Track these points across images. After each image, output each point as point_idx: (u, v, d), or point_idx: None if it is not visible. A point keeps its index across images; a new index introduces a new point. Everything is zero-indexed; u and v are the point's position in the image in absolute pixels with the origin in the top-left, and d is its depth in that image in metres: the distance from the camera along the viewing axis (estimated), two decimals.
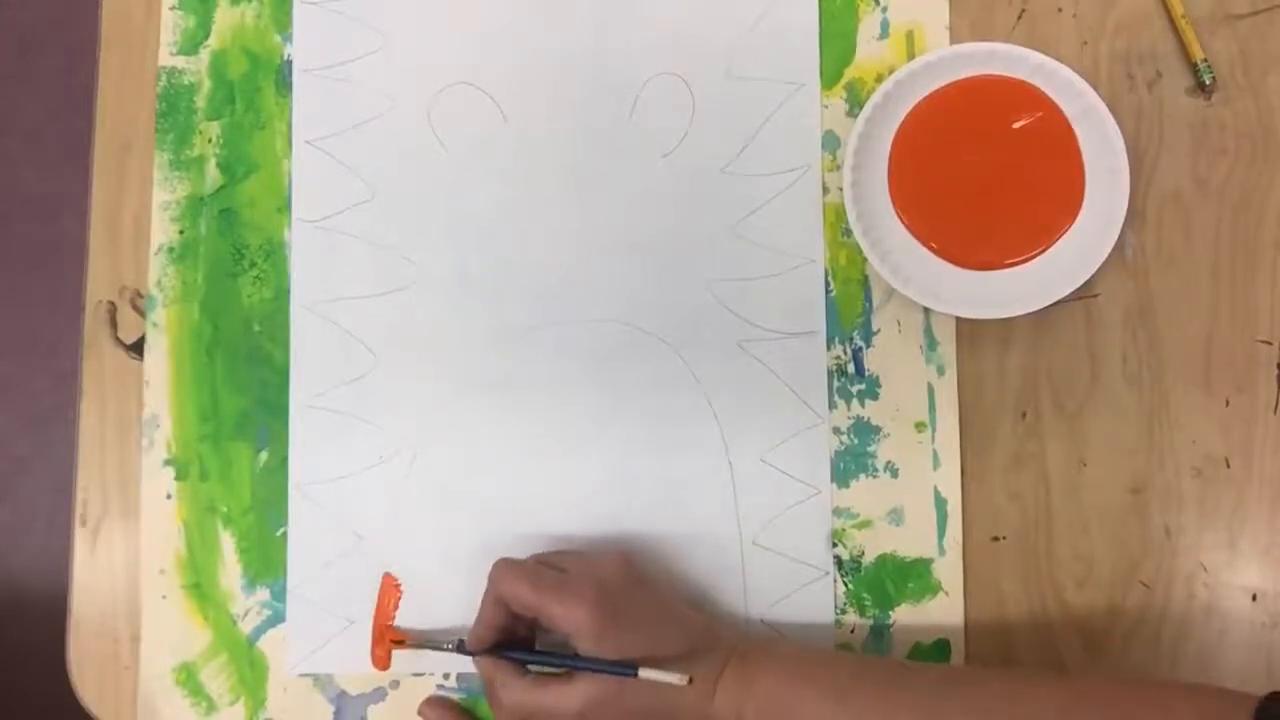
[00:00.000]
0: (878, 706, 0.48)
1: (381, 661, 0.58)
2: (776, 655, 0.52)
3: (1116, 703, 0.46)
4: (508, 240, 0.61)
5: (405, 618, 0.59)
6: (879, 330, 0.60)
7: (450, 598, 0.59)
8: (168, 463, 0.60)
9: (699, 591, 0.58)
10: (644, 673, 0.49)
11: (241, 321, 0.61)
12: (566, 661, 0.51)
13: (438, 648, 0.57)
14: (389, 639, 0.58)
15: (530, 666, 0.54)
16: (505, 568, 0.53)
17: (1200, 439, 0.59)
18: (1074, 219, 0.57)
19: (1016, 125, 0.58)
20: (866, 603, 0.59)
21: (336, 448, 0.60)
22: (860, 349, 0.59)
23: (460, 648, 0.55)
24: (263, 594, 0.59)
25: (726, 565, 0.59)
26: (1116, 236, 0.56)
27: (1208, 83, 0.59)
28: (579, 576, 0.52)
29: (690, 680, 0.49)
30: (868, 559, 0.59)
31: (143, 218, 0.61)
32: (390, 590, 0.59)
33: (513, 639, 0.55)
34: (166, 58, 0.62)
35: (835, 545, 0.59)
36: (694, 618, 0.54)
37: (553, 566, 0.54)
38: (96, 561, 0.60)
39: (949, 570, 0.58)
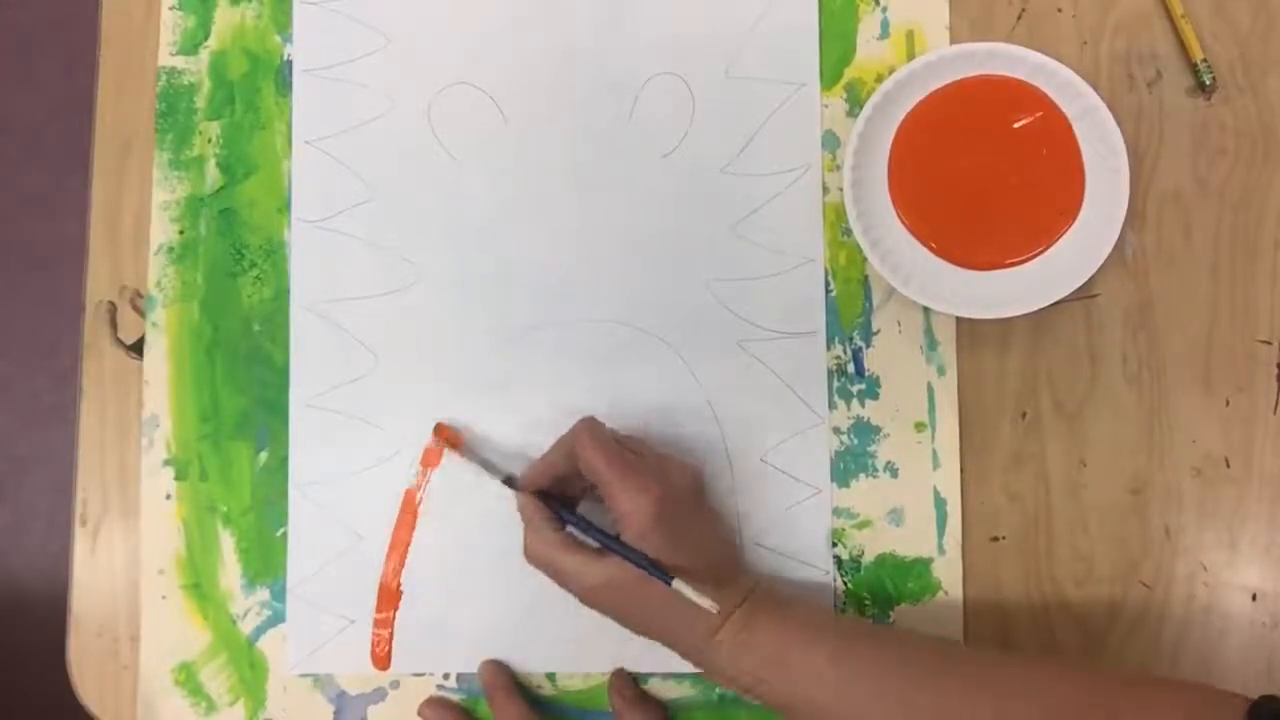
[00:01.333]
0: (870, 672, 0.49)
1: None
2: (784, 608, 0.52)
3: (1104, 683, 0.46)
4: (508, 240, 0.61)
5: (405, 618, 0.59)
6: (879, 330, 0.60)
7: (451, 598, 0.59)
8: (167, 463, 0.60)
9: None
10: (678, 584, 0.49)
11: (241, 321, 0.61)
12: (607, 540, 0.51)
13: (489, 469, 0.57)
14: (444, 435, 0.58)
15: (568, 527, 0.54)
16: (588, 429, 0.53)
17: (1200, 439, 0.59)
18: (1074, 219, 0.57)
19: (1016, 125, 0.58)
20: (866, 602, 0.59)
21: (336, 448, 0.60)
22: (860, 349, 0.59)
23: (510, 481, 0.56)
24: (263, 594, 0.59)
25: None
26: (1116, 236, 0.56)
27: (1208, 83, 0.59)
28: (651, 469, 0.52)
29: (717, 610, 0.49)
30: (868, 559, 0.59)
31: (143, 218, 0.61)
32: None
33: (562, 493, 0.55)
34: (166, 58, 0.62)
35: (835, 545, 0.59)
36: (730, 553, 0.56)
37: (631, 449, 0.54)
38: (96, 561, 0.60)
39: (949, 570, 0.58)
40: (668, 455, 0.56)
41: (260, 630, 0.59)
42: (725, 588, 0.51)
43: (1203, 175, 0.60)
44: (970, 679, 0.48)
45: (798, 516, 0.59)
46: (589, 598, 0.52)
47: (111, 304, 0.61)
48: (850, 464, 0.59)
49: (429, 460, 0.59)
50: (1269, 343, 0.59)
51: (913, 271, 0.57)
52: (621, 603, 0.52)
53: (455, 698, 0.59)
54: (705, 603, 0.48)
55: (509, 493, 0.56)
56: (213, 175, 0.61)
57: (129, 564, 0.60)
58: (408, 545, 0.59)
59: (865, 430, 0.59)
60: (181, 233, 0.61)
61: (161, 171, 0.61)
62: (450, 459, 0.59)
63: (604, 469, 0.51)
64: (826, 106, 0.61)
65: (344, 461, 0.60)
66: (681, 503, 0.52)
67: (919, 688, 0.48)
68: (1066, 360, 0.59)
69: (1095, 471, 0.59)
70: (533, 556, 0.53)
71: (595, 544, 0.52)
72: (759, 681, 0.50)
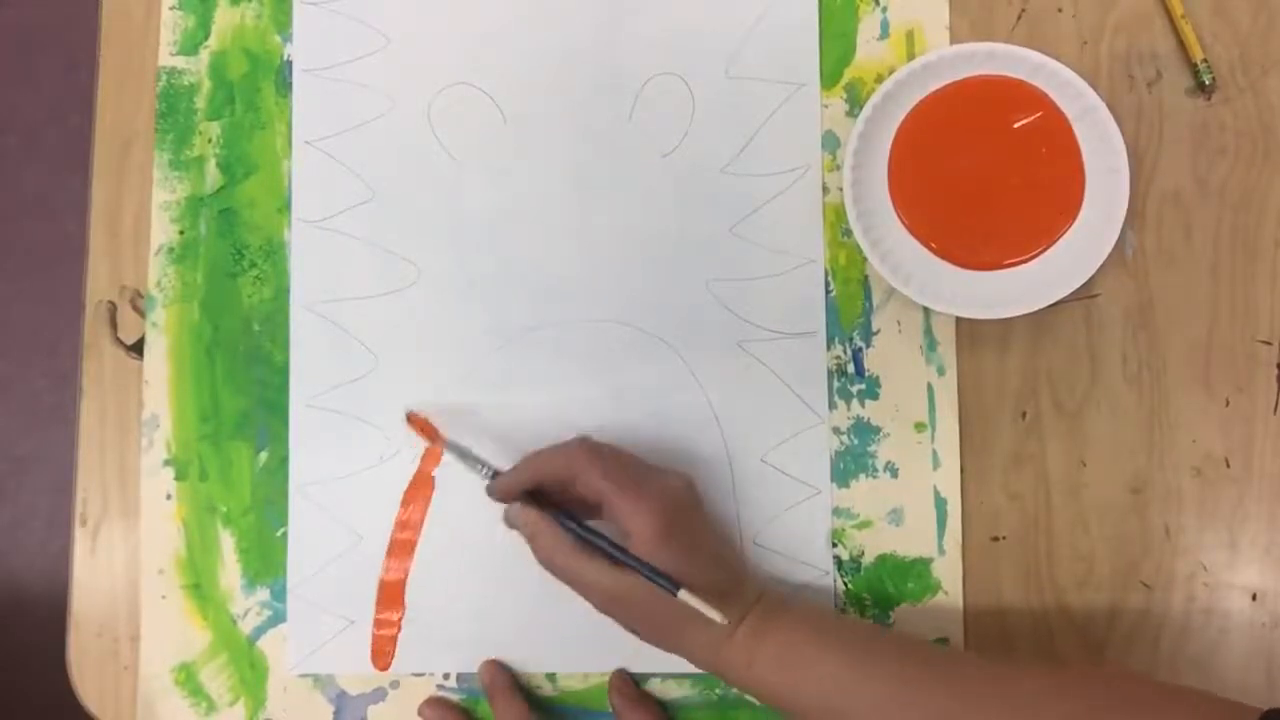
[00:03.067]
0: (883, 675, 0.49)
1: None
2: (793, 612, 0.52)
3: (1117, 694, 0.46)
4: (508, 240, 0.61)
5: (405, 617, 0.59)
6: (879, 330, 0.59)
7: (451, 598, 0.59)
8: (167, 463, 0.60)
9: None
10: (684, 595, 0.49)
11: (241, 321, 0.61)
12: (617, 552, 0.51)
13: (473, 466, 0.57)
14: (417, 424, 0.59)
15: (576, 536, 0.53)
16: (587, 449, 0.53)
17: (1200, 439, 0.59)
18: (1074, 219, 0.57)
19: (1016, 125, 0.58)
20: (866, 603, 0.59)
21: (336, 448, 0.60)
22: (860, 349, 0.59)
23: (493, 479, 0.56)
24: (263, 594, 0.59)
25: None
26: (1116, 236, 0.56)
27: (1208, 83, 0.59)
28: (650, 483, 0.52)
29: (725, 620, 0.49)
30: (868, 559, 0.59)
31: (143, 218, 0.61)
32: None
33: (540, 499, 0.55)
34: (166, 58, 0.62)
35: (835, 545, 0.59)
36: (734, 559, 0.56)
37: (629, 463, 0.54)
38: (96, 561, 0.60)
39: (949, 570, 0.58)
40: (660, 468, 0.55)
41: (260, 630, 0.59)
42: (733, 596, 0.51)
43: (1203, 175, 0.60)
44: (984, 687, 0.48)
45: (797, 517, 0.59)
46: (606, 607, 0.52)
47: (111, 304, 0.61)
48: (850, 464, 0.59)
49: (429, 460, 0.59)
50: (1269, 343, 0.59)
51: (913, 271, 0.57)
52: (636, 613, 0.52)
53: (455, 698, 0.59)
54: (713, 614, 0.48)
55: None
56: (213, 175, 0.61)
57: (129, 564, 0.60)
58: (408, 545, 0.59)
59: (865, 430, 0.59)
60: (181, 233, 0.61)
61: (161, 171, 0.61)
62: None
63: (604, 487, 0.51)
64: (826, 106, 0.61)
65: (344, 461, 0.60)
66: (683, 512, 0.53)
67: (933, 693, 0.48)
68: (1066, 360, 0.59)
69: (1095, 471, 0.59)
70: (549, 562, 0.53)
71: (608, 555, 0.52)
72: (772, 686, 0.50)
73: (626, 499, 0.51)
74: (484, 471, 0.57)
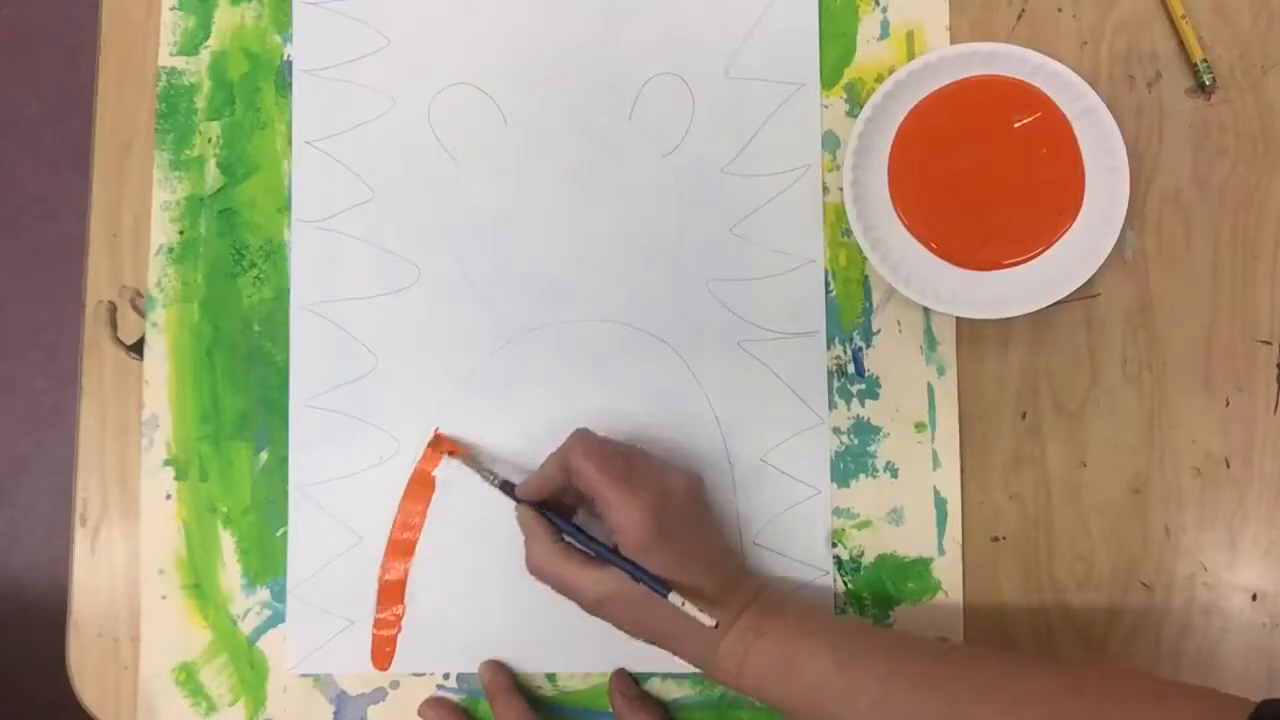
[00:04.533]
0: (875, 677, 0.48)
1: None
2: (787, 615, 0.51)
3: (1113, 689, 0.46)
4: (508, 240, 0.61)
5: (405, 618, 0.59)
6: (879, 330, 0.59)
7: (451, 598, 0.59)
8: (168, 463, 0.60)
9: None
10: (674, 598, 0.48)
11: (241, 321, 0.61)
12: (604, 552, 0.51)
13: (485, 476, 0.57)
14: (444, 445, 0.58)
15: (565, 536, 0.54)
16: (581, 440, 0.53)
17: (1200, 439, 0.59)
18: (1074, 219, 0.57)
19: (1016, 125, 0.58)
20: (866, 603, 0.59)
21: (336, 448, 0.60)
22: (860, 349, 0.59)
23: (505, 488, 0.56)
24: (263, 594, 0.59)
25: None
26: (1116, 236, 0.56)
27: (1208, 83, 0.59)
28: (646, 478, 0.52)
29: (717, 625, 0.48)
30: (868, 559, 0.59)
31: (143, 218, 0.61)
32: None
33: (560, 504, 0.55)
34: (166, 58, 0.62)
35: (835, 545, 0.59)
36: (732, 560, 0.56)
37: (626, 458, 0.53)
38: (96, 561, 0.60)
39: (949, 570, 0.58)
40: (666, 463, 0.55)
41: (260, 630, 0.59)
42: (728, 595, 0.51)
43: (1203, 175, 0.60)
44: (978, 685, 0.47)
45: (798, 517, 0.59)
46: (594, 610, 0.52)
47: (111, 304, 0.61)
48: (850, 464, 0.59)
49: (429, 461, 0.59)
50: (1269, 343, 0.59)
51: (913, 271, 0.57)
52: (626, 614, 0.52)
53: (455, 698, 0.59)
54: (703, 618, 0.48)
55: (516, 482, 0.56)
56: (213, 175, 0.61)
57: (129, 564, 0.60)
58: (408, 545, 0.59)
59: (865, 430, 0.59)
60: (181, 233, 0.61)
61: (161, 171, 0.61)
62: (449, 461, 0.59)
63: (597, 481, 0.51)
64: (826, 106, 0.61)
65: (344, 461, 0.60)
66: (679, 512, 0.52)
67: (926, 696, 0.47)
68: (1066, 360, 0.59)
69: (1095, 471, 0.59)
70: (536, 569, 0.53)
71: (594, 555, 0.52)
72: (764, 688, 0.50)
73: (618, 494, 0.50)
74: (499, 483, 0.57)
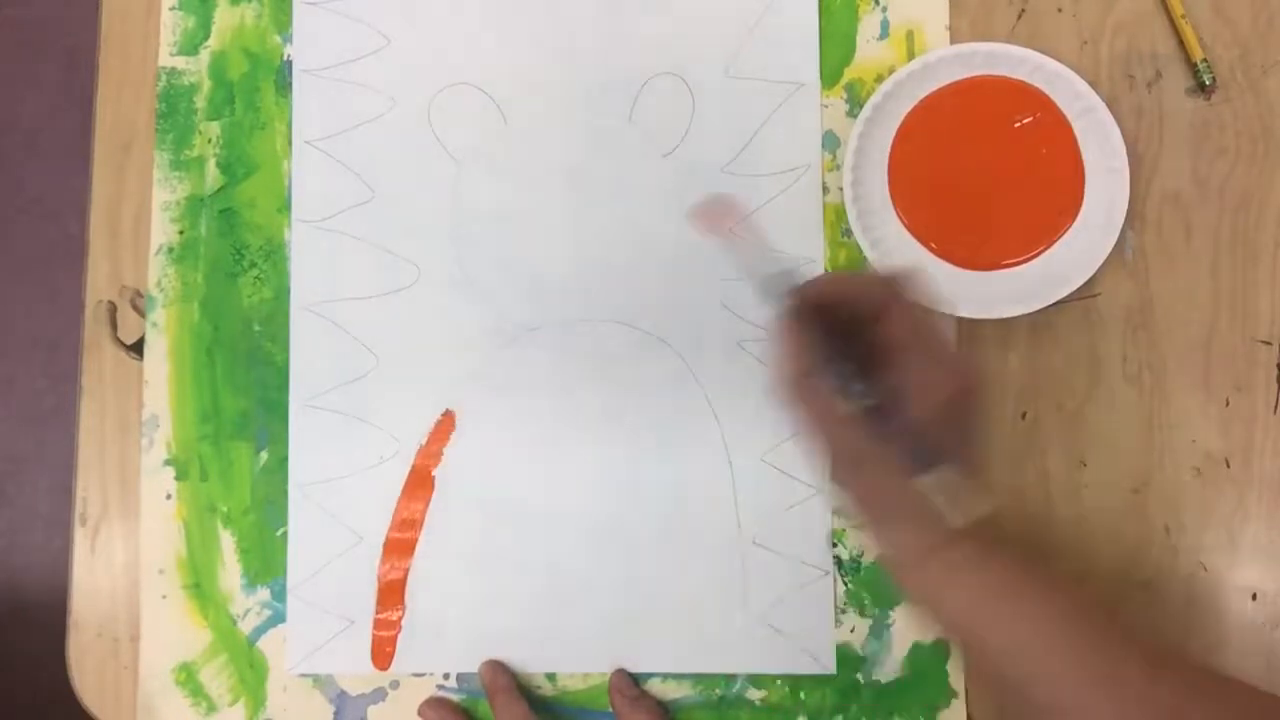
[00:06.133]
0: (1110, 652, 0.43)
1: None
2: (1017, 553, 0.46)
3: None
4: (508, 240, 0.61)
5: (405, 618, 0.59)
6: None
7: (451, 598, 0.59)
8: (168, 463, 0.60)
9: (699, 591, 0.58)
10: (932, 479, 0.43)
11: (241, 321, 0.61)
12: (881, 410, 0.45)
13: (766, 254, 0.49)
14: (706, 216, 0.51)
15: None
16: (907, 286, 0.46)
17: (1200, 439, 0.59)
18: (1074, 219, 0.57)
19: (1016, 125, 0.58)
20: (866, 602, 0.59)
21: (336, 448, 0.60)
22: None
23: (783, 277, 0.47)
24: (263, 594, 0.59)
25: (726, 565, 0.59)
26: (1116, 236, 0.56)
27: (1208, 83, 0.59)
28: (949, 352, 0.47)
29: (959, 523, 0.43)
30: (868, 559, 0.59)
31: (143, 218, 0.61)
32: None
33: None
34: (166, 58, 0.62)
35: (835, 545, 0.59)
36: (984, 470, 0.48)
37: (931, 320, 0.48)
38: (96, 561, 0.60)
39: None
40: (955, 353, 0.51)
41: (260, 630, 0.59)
42: (970, 505, 0.45)
43: (1203, 175, 0.60)
44: (1192, 682, 0.43)
45: (798, 516, 0.59)
46: (836, 459, 0.46)
47: (111, 304, 0.61)
48: None
49: (428, 459, 0.59)
50: (1269, 343, 0.59)
51: None
52: (867, 474, 0.46)
53: (455, 698, 0.59)
54: (953, 511, 0.43)
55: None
56: (213, 175, 0.61)
57: (129, 564, 0.60)
58: (408, 545, 0.59)
59: None
60: (181, 233, 0.61)
61: (161, 171, 0.61)
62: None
63: (927, 322, 0.46)
64: (826, 106, 0.61)
65: (344, 461, 0.60)
66: (968, 402, 0.46)
67: (1155, 680, 0.42)
68: (1066, 360, 0.59)
69: (1095, 471, 0.59)
70: (790, 391, 0.46)
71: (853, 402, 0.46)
72: (968, 611, 0.45)
73: (930, 356, 0.45)
74: (779, 271, 0.47)
